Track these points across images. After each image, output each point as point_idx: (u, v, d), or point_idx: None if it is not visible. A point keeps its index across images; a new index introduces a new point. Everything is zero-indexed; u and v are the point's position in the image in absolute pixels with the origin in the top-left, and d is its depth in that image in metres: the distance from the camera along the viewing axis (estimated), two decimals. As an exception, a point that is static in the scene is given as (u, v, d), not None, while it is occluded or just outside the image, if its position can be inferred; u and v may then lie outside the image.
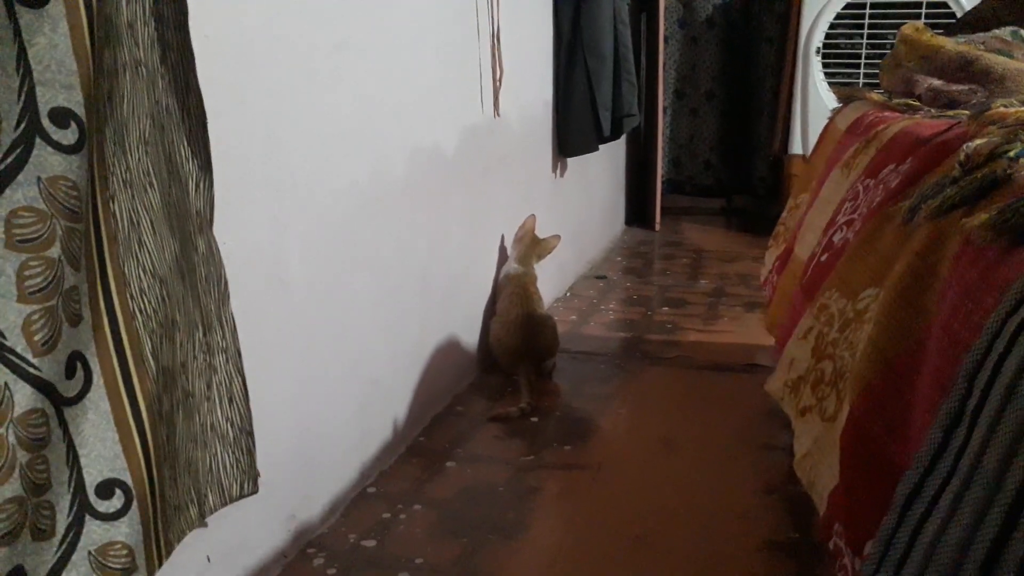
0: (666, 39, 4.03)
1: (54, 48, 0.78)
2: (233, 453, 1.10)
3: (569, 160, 2.91)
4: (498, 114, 2.20)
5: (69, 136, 0.80)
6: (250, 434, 1.13)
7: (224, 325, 1.08)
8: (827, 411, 0.81)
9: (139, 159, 0.92)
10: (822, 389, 0.84)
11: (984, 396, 0.51)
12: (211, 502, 1.07)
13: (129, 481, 0.89)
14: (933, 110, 1.25)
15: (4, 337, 0.75)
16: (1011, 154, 0.68)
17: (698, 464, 1.67)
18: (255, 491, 1.15)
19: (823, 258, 1.07)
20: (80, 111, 0.80)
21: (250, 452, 1.13)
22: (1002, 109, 0.82)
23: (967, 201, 0.67)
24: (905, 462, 0.61)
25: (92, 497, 0.86)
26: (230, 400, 1.09)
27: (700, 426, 1.85)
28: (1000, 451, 0.49)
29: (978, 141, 0.73)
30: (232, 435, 1.10)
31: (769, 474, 1.61)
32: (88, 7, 0.81)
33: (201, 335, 1.04)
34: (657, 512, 1.49)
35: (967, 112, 0.99)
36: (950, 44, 1.36)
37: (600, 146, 2.91)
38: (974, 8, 1.85)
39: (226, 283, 1.08)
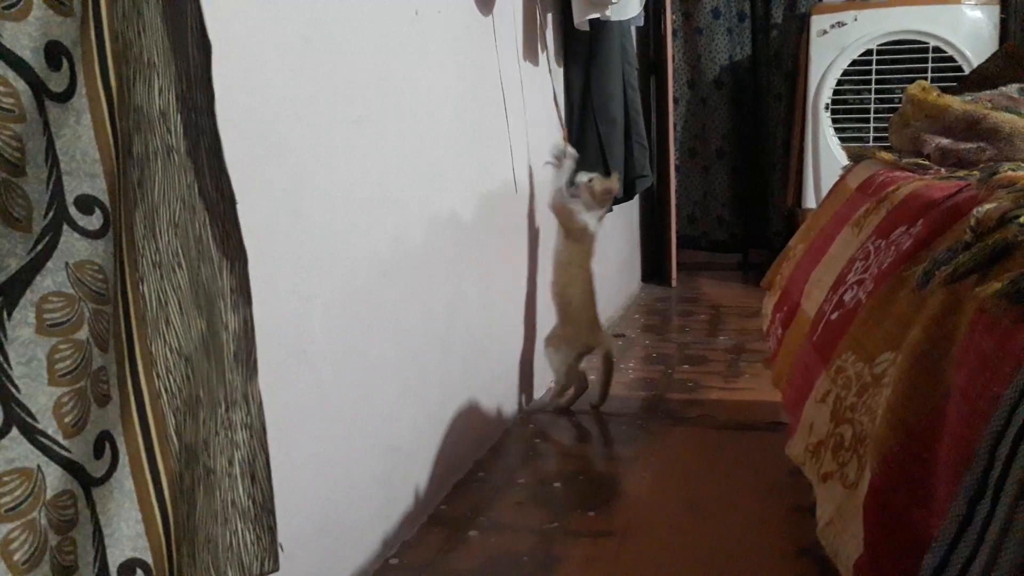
0: (676, 100, 4.11)
1: (78, 139, 0.81)
2: (254, 530, 1.10)
3: (584, 221, 2.94)
4: (512, 179, 2.24)
5: (94, 222, 0.83)
6: (271, 512, 1.13)
7: (250, 401, 1.10)
8: (848, 477, 0.81)
9: (168, 241, 0.95)
10: (843, 455, 0.84)
11: (1007, 467, 0.51)
12: None
13: (149, 560, 0.89)
14: (943, 170, 1.27)
15: (36, 420, 0.77)
16: (1021, 219, 0.69)
17: (726, 527, 1.64)
18: (276, 569, 1.14)
19: (834, 316, 1.07)
20: (104, 197, 0.84)
21: (271, 529, 1.13)
22: (1010, 173, 0.84)
23: (979, 267, 0.68)
24: (929, 531, 0.60)
25: None
26: (252, 477, 1.10)
27: (726, 488, 1.82)
28: (1027, 523, 0.49)
29: (988, 206, 0.74)
30: (254, 512, 1.10)
31: (799, 536, 1.58)
32: (109, 99, 0.85)
33: (224, 411, 1.05)
34: (685, 579, 1.46)
35: (977, 173, 1.00)
36: (957, 103, 1.39)
37: (613, 206, 2.95)
38: (980, 66, 1.88)
39: (255, 360, 1.10)
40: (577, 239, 2.31)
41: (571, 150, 2.35)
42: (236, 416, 1.07)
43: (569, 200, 2.32)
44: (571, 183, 2.33)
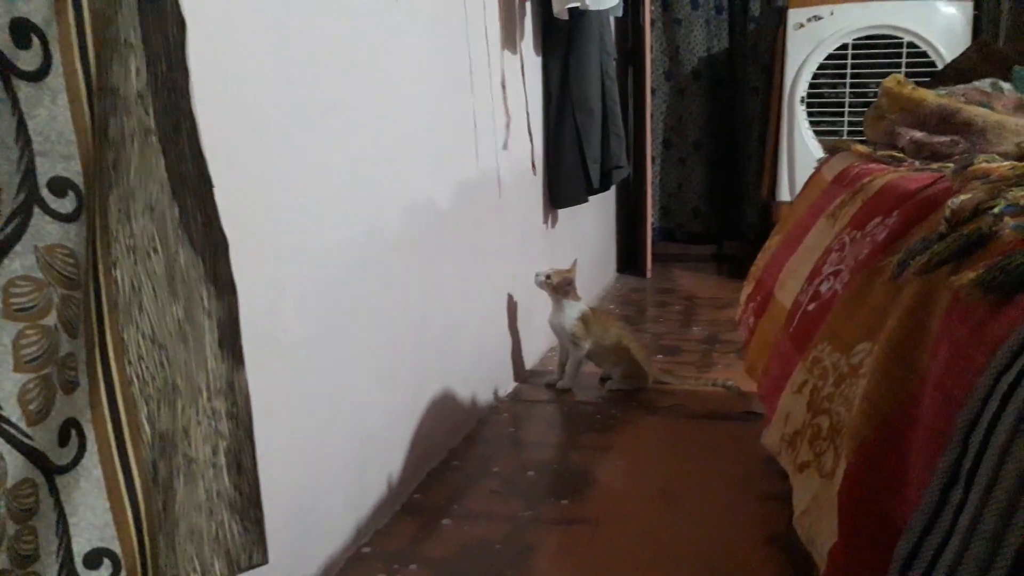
0: (653, 91, 4.11)
1: (53, 120, 0.79)
2: (241, 522, 1.08)
3: (560, 211, 2.94)
4: (489, 168, 2.23)
5: (67, 205, 0.81)
6: (259, 504, 1.11)
7: (236, 390, 1.07)
8: (825, 467, 0.81)
9: (144, 225, 0.93)
10: (819, 444, 0.84)
11: (980, 455, 0.51)
12: (218, 571, 1.05)
13: (119, 551, 0.87)
14: (917, 162, 1.28)
15: (0, 407, 0.75)
16: (995, 210, 0.69)
17: (698, 516, 1.66)
18: (265, 561, 1.13)
19: (810, 307, 1.08)
20: (79, 180, 0.81)
21: (259, 522, 1.11)
22: (985, 165, 0.84)
23: (954, 257, 0.69)
24: (903, 519, 0.61)
25: (80, 568, 0.84)
26: (239, 468, 1.07)
27: (699, 476, 1.84)
28: (999, 510, 0.50)
29: (962, 197, 0.74)
30: (241, 504, 1.08)
31: (770, 524, 1.59)
32: (87, 79, 0.83)
33: (206, 399, 1.03)
34: (658, 566, 1.47)
35: (951, 165, 1.01)
36: (931, 97, 1.40)
37: (590, 197, 2.95)
38: (954, 61, 1.90)
39: (240, 348, 1.08)
40: (598, 319, 2.50)
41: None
42: (220, 405, 1.05)
43: (560, 310, 2.47)
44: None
